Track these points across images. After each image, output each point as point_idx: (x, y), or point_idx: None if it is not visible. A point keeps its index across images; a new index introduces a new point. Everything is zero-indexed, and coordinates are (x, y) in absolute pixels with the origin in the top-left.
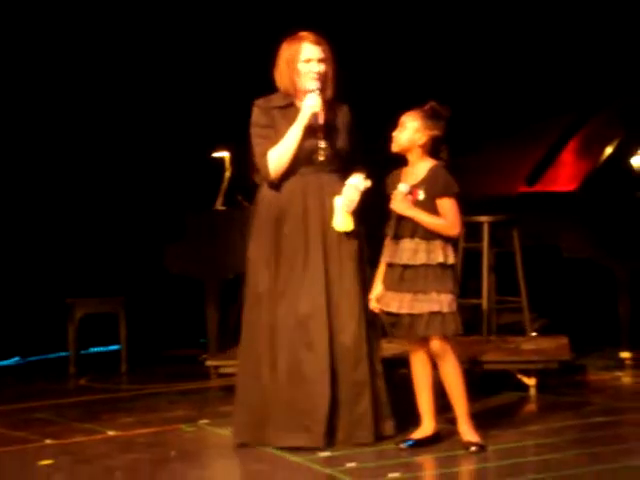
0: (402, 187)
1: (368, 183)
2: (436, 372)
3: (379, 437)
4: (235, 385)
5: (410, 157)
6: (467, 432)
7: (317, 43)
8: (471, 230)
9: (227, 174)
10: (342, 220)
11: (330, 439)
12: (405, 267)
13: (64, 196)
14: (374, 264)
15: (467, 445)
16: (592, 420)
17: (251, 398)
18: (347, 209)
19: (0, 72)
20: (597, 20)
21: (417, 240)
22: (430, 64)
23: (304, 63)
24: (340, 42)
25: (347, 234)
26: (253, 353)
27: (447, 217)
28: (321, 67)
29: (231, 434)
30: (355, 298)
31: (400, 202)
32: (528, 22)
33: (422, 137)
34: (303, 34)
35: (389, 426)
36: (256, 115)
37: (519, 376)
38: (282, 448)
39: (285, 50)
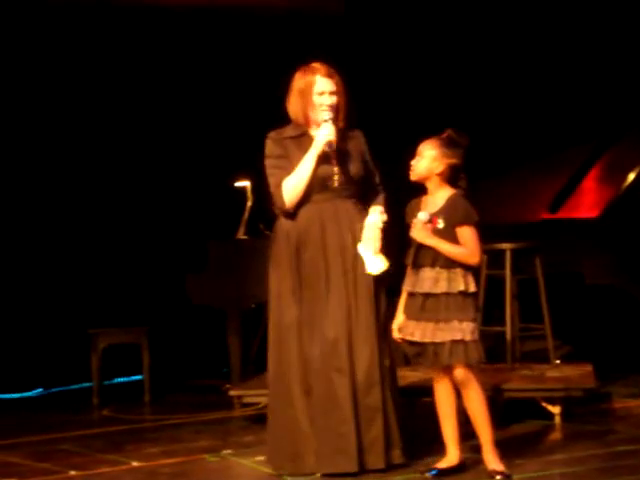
0: (422, 215)
1: (385, 217)
2: (460, 400)
3: (390, 464)
4: (268, 417)
5: (429, 185)
6: (492, 460)
7: (329, 76)
8: (494, 257)
9: (249, 203)
10: (376, 263)
11: (361, 463)
12: (426, 296)
13: (86, 227)
14: (396, 293)
15: (492, 474)
16: (617, 449)
17: (287, 428)
18: (375, 251)
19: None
20: (619, 48)
21: (438, 269)
22: (453, 91)
23: (317, 96)
24: (359, 70)
25: (363, 263)
26: (285, 382)
27: (467, 245)
28: (333, 99)
29: (269, 467)
30: (370, 325)
31: (420, 231)
32: (550, 50)
33: (439, 166)
34: (316, 66)
35: (398, 454)
36: (269, 147)
37: (543, 404)
38: (325, 475)
39: (298, 81)
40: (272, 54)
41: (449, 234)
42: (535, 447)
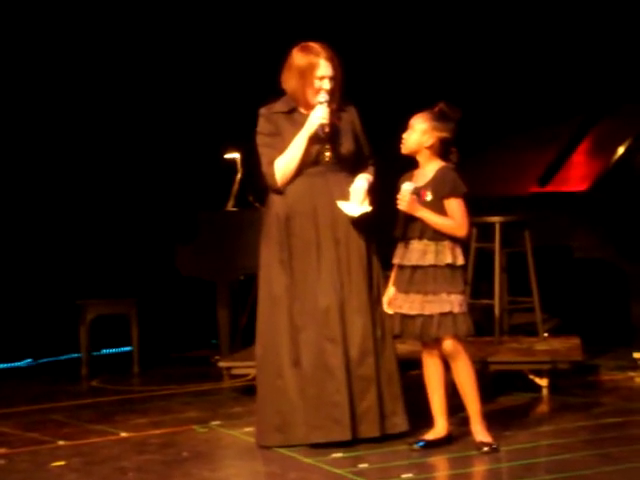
0: (407, 186)
1: (371, 179)
2: (448, 373)
3: (386, 433)
4: (257, 389)
5: (420, 159)
6: (480, 432)
7: (330, 60)
8: (483, 230)
9: (238, 175)
10: (356, 207)
11: (354, 432)
12: (414, 268)
13: (76, 198)
14: (388, 267)
15: (480, 446)
16: (604, 421)
17: (275, 399)
18: (358, 204)
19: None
20: (610, 22)
21: (426, 241)
22: (443, 66)
23: (318, 80)
24: (353, 45)
25: (356, 233)
26: (274, 354)
27: (455, 218)
28: (332, 84)
29: (256, 439)
30: (363, 295)
31: (407, 202)
32: (540, 24)
33: (430, 139)
34: (317, 48)
35: (399, 422)
36: (261, 124)
37: (531, 377)
38: (314, 445)
39: (300, 59)
40: (262, 25)
41: (437, 207)
42: (523, 419)
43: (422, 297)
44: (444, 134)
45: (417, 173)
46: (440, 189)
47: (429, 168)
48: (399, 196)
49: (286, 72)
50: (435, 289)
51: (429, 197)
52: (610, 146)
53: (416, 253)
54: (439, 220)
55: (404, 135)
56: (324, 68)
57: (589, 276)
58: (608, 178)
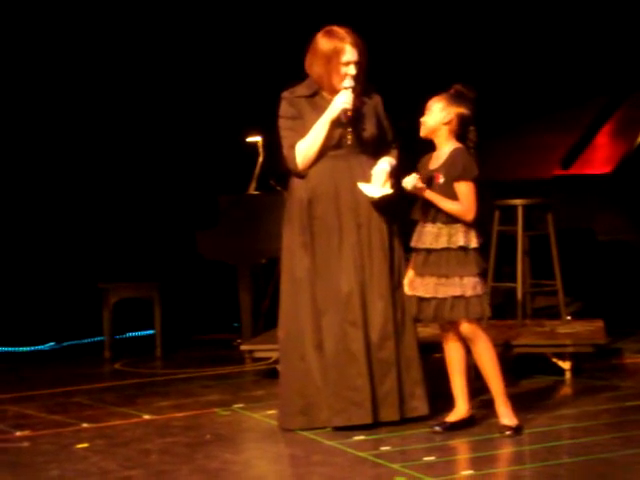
0: (406, 183)
1: (393, 162)
2: (470, 356)
3: (406, 417)
4: (280, 372)
5: (437, 140)
6: (505, 414)
7: (356, 45)
8: (505, 213)
9: (260, 159)
10: (377, 189)
11: (375, 415)
12: (429, 251)
13: (100, 182)
14: (410, 250)
15: (502, 429)
16: (627, 404)
17: (298, 382)
18: (380, 185)
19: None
20: (632, 3)
21: (439, 224)
22: (463, 49)
23: (344, 65)
24: (372, 31)
25: (378, 216)
26: (297, 337)
27: (463, 201)
28: (357, 69)
29: (279, 422)
30: (384, 278)
31: (413, 188)
32: (560, 7)
33: (448, 115)
34: (342, 33)
35: (419, 406)
36: (283, 107)
37: (554, 360)
38: (337, 428)
39: (325, 44)
40: (283, 8)
41: (450, 189)
42: (545, 402)
43: (436, 280)
44: (462, 110)
45: (434, 155)
46: (451, 171)
47: (444, 150)
48: (403, 182)
49: (311, 57)
50: (448, 272)
51: (442, 179)
52: (634, 128)
53: (429, 236)
54: (447, 204)
55: (422, 119)
56: (350, 53)
57: (612, 259)
58: (632, 160)
